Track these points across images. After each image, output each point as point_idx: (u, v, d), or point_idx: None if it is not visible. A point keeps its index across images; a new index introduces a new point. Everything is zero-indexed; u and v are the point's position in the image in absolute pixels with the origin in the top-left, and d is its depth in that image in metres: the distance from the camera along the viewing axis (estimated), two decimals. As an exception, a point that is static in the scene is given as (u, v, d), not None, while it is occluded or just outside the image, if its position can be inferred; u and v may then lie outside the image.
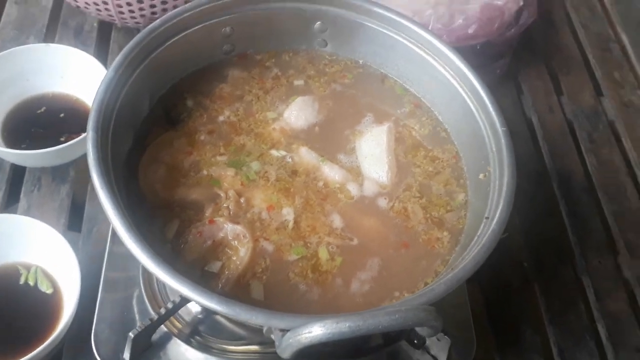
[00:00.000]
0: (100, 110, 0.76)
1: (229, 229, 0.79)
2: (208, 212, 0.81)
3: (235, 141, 0.88)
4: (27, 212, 1.08)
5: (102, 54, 1.30)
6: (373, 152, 0.88)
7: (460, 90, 0.89)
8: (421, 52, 0.92)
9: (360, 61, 0.99)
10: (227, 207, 0.81)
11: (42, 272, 0.97)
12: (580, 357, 1.05)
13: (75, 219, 1.09)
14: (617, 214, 1.21)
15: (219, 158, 0.86)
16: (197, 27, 0.90)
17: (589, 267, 1.15)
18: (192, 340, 0.86)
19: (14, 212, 1.07)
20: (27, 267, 0.97)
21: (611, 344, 1.06)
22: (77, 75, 1.17)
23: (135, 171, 0.83)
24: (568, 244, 1.18)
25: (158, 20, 0.85)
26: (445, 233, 0.83)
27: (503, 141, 0.81)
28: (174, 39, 0.88)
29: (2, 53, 1.14)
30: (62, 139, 1.11)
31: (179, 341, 0.85)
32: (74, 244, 0.95)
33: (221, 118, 0.90)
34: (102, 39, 1.33)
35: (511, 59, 1.36)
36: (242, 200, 0.82)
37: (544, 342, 1.06)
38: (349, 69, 0.99)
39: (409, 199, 0.86)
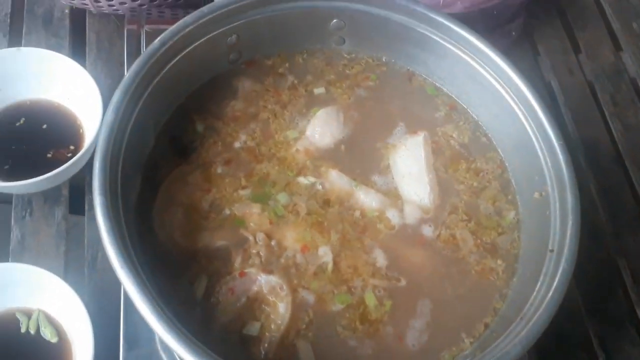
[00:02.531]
0: (104, 168, 0.65)
1: (263, 281, 0.71)
2: (237, 262, 0.72)
3: (257, 170, 0.78)
4: (21, 242, 0.97)
5: (79, 45, 1.16)
6: (411, 170, 0.79)
7: (504, 93, 0.79)
8: (454, 49, 0.82)
9: (384, 58, 0.88)
10: (258, 252, 0.73)
11: (45, 318, 0.88)
12: (623, 346, 1.02)
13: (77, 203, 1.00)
14: (647, 184, 1.16)
15: (241, 192, 0.76)
16: (199, 42, 0.78)
17: (622, 246, 1.10)
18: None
19: (6, 242, 0.97)
20: (28, 313, 0.88)
21: (653, 330, 1.03)
22: (56, 79, 1.03)
23: (148, 220, 0.73)
24: (599, 221, 1.12)
25: (157, 42, 0.73)
26: (499, 262, 0.76)
27: (561, 157, 0.73)
28: (175, 60, 0.76)
29: (-35, 60, 1.00)
30: (49, 155, 0.99)
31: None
32: (79, 270, 0.87)
33: (237, 144, 0.80)
34: (76, 28, 1.18)
35: (525, 19, 1.26)
36: (272, 243, 0.73)
37: (584, 333, 1.02)
38: (371, 68, 0.88)
39: (456, 224, 0.78)
